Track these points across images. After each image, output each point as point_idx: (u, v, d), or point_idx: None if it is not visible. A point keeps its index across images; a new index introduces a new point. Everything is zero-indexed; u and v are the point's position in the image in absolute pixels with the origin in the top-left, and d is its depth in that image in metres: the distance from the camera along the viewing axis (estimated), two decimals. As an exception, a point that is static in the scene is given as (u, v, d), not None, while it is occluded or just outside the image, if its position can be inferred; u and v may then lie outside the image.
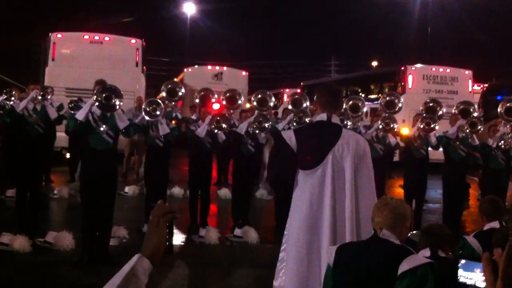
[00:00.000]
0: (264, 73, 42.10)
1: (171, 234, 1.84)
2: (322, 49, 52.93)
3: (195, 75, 22.68)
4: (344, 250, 3.42)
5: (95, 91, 6.94)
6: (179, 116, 10.76)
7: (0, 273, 6.55)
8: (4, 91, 9.81)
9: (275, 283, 4.47)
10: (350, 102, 9.68)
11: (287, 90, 28.30)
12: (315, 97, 4.70)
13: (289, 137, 4.27)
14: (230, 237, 8.68)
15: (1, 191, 10.55)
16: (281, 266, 4.45)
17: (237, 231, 8.63)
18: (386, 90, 19.87)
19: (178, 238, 8.65)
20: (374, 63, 46.65)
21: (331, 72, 48.97)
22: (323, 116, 4.36)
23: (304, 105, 9.88)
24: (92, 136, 6.93)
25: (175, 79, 21.60)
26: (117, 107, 6.96)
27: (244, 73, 23.38)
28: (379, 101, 10.93)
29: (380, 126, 9.15)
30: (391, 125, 9.17)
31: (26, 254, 7.19)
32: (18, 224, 7.91)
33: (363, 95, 19.21)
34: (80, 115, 6.80)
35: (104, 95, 6.81)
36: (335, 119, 4.38)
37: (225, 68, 23.65)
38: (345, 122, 9.09)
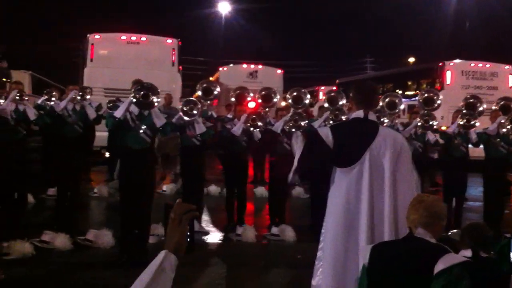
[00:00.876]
0: (299, 71, 41.95)
1: (192, 232, 1.93)
2: (357, 46, 52.40)
3: (230, 74, 22.74)
4: (379, 249, 3.39)
5: (132, 90, 7.03)
6: (214, 115, 10.82)
7: (41, 271, 6.67)
8: (45, 92, 9.99)
9: (313, 282, 4.44)
10: (387, 99, 9.54)
11: (322, 87, 28.12)
12: (350, 94, 4.65)
13: (326, 134, 4.20)
14: (267, 236, 8.67)
15: (42, 190, 10.79)
16: (319, 265, 4.42)
17: (274, 230, 8.62)
18: (424, 86, 19.56)
19: (215, 237, 8.71)
20: (411, 60, 46.00)
21: (367, 69, 48.54)
22: (359, 113, 4.30)
23: (340, 102, 9.79)
24: (130, 135, 7.03)
25: (211, 78, 21.71)
26: (155, 104, 7.05)
27: (279, 71, 23.33)
28: (417, 98, 10.76)
29: (419, 123, 9.00)
30: (430, 122, 9.02)
31: (67, 252, 7.35)
32: (59, 223, 8.08)
33: (400, 92, 18.92)
34: (118, 113, 6.93)
35: (141, 93, 6.91)
36: (372, 116, 4.32)
37: (260, 66, 23.63)
38: (382, 119, 8.98)
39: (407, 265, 3.18)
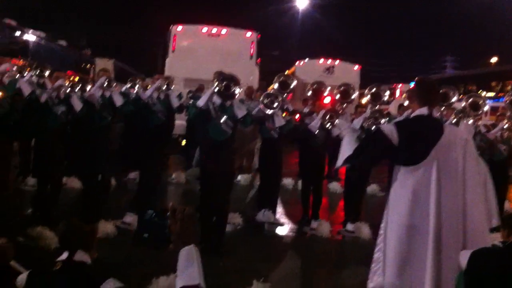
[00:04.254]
0: (376, 69, 41.27)
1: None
2: (437, 44, 50.91)
3: (307, 69, 22.69)
4: (478, 256, 3.28)
5: (215, 80, 7.14)
6: (290, 108, 10.83)
7: (124, 251, 6.89)
8: (129, 79, 10.32)
9: (371, 285, 4.30)
10: (471, 100, 9.22)
11: (399, 85, 27.54)
12: (411, 91, 4.52)
13: (391, 131, 4.12)
14: (341, 232, 8.62)
15: (123, 174, 11.15)
16: (376, 267, 4.28)
17: (349, 226, 8.56)
18: (509, 88, 18.77)
19: (290, 230, 8.75)
20: (493, 60, 44.22)
21: (446, 68, 47.08)
22: (423, 111, 4.20)
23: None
24: (211, 125, 7.15)
25: (286, 72, 21.72)
26: (236, 95, 7.15)
27: (356, 67, 23.05)
28: (502, 99, 10.35)
29: (506, 126, 8.66)
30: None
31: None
32: (140, 206, 8.32)
33: (483, 93, 18.26)
34: (200, 102, 7.07)
35: (224, 83, 7.01)
36: (435, 114, 4.24)
37: (337, 62, 23.43)
38: (465, 121, 8.69)
39: (503, 274, 3.07)
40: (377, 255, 4.29)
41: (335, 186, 12.24)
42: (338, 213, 9.59)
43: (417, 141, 4.13)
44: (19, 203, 8.61)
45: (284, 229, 8.70)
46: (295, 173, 12.96)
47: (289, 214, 9.63)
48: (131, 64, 30.97)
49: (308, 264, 6.96)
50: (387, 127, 4.22)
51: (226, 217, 7.45)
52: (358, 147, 4.31)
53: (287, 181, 12.24)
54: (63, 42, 22.36)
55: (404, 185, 4.10)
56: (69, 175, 10.17)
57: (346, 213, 9.14)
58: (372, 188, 12.09)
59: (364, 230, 8.42)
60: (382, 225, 4.30)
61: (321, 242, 8.08)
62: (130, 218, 7.83)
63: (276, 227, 8.65)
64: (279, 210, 9.57)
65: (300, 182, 11.36)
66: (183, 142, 14.91)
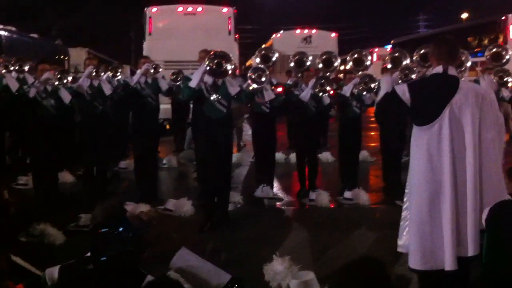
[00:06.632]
0: (351, 34, 41.21)
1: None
2: (408, 4, 50.91)
3: (284, 40, 22.60)
4: (495, 209, 3.34)
5: (206, 59, 7.03)
6: (274, 81, 10.79)
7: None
8: (110, 67, 10.18)
9: (400, 242, 4.41)
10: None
11: (376, 49, 27.62)
12: (429, 52, 4.54)
13: (403, 91, 4.15)
14: (340, 200, 8.68)
15: (115, 163, 11.05)
16: (404, 225, 4.38)
17: (347, 194, 8.61)
18: (485, 42, 18.89)
19: (289, 203, 8.80)
20: (464, 15, 44.45)
21: (419, 27, 47.23)
22: (438, 69, 4.21)
23: (404, 62, 9.55)
24: (205, 105, 7.09)
25: (263, 46, 21.57)
26: (229, 72, 7.07)
27: (333, 34, 23.00)
28: (480, 55, 10.39)
29: (494, 81, 8.71)
30: (505, 79, 8.71)
31: (151, 221, 7.53)
32: (140, 193, 8.29)
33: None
34: (193, 83, 6.96)
35: (215, 61, 6.92)
36: (452, 71, 4.20)
37: (314, 31, 23.36)
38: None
39: None
40: (404, 213, 4.38)
41: (327, 156, 12.30)
42: (334, 182, 9.63)
43: (430, 100, 4.15)
44: (13, 201, 8.46)
45: (284, 203, 8.74)
46: (285, 146, 13.03)
47: (286, 188, 9.68)
48: (105, 51, 30.54)
49: (316, 234, 6.93)
50: (400, 88, 4.23)
51: (228, 194, 7.46)
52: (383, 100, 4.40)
53: (278, 155, 12.21)
54: (34, 35, 21.87)
55: (419, 145, 4.16)
56: (61, 170, 10.05)
57: (342, 181, 9.21)
58: (363, 154, 12.14)
59: (363, 196, 8.49)
60: (407, 183, 4.36)
61: (323, 212, 8.12)
62: (130, 207, 7.76)
63: (276, 201, 8.69)
64: (276, 184, 9.59)
65: (291, 155, 11.45)
66: (168, 126, 14.84)
